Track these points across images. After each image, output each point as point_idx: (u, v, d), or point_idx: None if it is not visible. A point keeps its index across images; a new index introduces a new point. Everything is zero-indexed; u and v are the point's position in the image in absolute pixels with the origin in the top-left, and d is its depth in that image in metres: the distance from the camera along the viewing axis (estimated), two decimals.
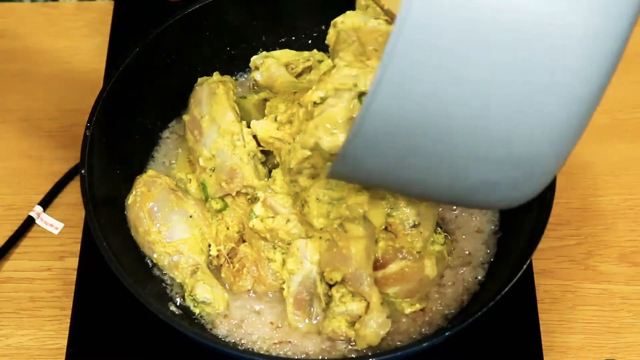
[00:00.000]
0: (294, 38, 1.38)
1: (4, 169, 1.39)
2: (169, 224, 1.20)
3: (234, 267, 1.20)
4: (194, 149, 1.23)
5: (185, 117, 1.26)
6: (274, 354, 1.15)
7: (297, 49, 1.34)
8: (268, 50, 1.33)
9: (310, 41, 1.38)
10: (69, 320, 1.24)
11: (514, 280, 1.09)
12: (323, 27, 1.37)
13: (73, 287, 1.26)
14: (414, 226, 1.16)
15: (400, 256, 1.16)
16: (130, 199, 1.22)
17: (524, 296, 1.24)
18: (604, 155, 1.40)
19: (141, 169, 1.30)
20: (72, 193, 1.36)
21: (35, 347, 1.24)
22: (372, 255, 1.15)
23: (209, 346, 1.11)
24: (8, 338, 1.25)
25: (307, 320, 1.17)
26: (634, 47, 1.50)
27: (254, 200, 1.19)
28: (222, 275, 1.21)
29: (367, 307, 1.14)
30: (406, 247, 1.16)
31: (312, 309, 1.17)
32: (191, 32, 1.31)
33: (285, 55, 1.30)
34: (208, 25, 1.32)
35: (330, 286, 1.16)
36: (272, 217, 1.17)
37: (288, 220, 1.16)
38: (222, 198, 1.21)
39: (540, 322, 1.22)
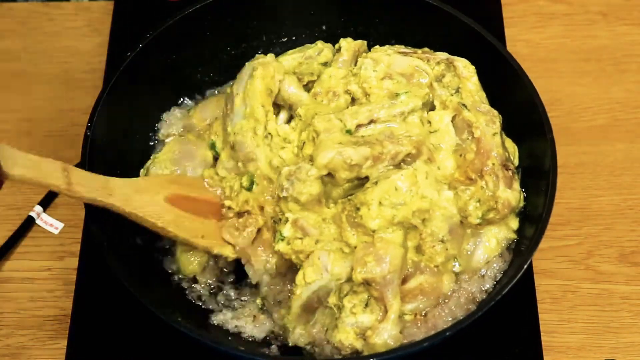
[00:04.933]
0: (294, 38, 1.38)
1: None
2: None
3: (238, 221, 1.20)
4: (224, 120, 1.24)
5: (228, 89, 1.26)
6: (265, 347, 1.16)
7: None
8: (268, 50, 1.33)
9: (310, 41, 1.38)
10: (69, 320, 1.24)
11: (514, 280, 1.09)
12: (323, 27, 1.37)
13: (73, 287, 1.26)
14: (442, 241, 1.16)
15: (419, 271, 1.16)
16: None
17: (524, 296, 1.24)
18: (604, 155, 1.39)
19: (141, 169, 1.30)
20: None
21: (35, 347, 1.24)
22: (405, 268, 1.15)
23: (208, 345, 1.11)
24: (8, 338, 1.25)
25: (304, 324, 1.17)
26: (634, 48, 1.51)
27: (278, 221, 1.18)
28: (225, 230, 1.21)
29: (384, 315, 1.12)
30: (424, 260, 1.16)
31: (313, 316, 1.16)
32: (191, 32, 1.31)
33: (289, 61, 1.29)
34: (208, 25, 1.32)
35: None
36: (301, 238, 1.16)
37: (317, 241, 1.16)
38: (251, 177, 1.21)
39: (540, 322, 1.22)
